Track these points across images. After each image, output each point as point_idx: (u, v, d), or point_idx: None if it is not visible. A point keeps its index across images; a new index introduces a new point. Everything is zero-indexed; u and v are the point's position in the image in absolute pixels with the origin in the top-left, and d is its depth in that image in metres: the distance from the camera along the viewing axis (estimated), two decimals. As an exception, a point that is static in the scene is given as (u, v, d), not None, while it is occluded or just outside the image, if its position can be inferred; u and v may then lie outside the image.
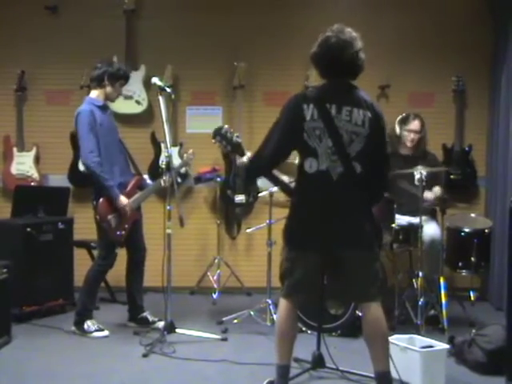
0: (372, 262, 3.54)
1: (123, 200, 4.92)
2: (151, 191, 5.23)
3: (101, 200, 4.88)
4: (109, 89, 5.01)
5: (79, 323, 5.00)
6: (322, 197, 3.45)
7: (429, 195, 5.42)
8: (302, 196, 3.55)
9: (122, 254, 5.18)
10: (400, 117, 5.67)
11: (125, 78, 5.09)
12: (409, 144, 5.60)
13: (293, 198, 3.63)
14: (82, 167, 6.27)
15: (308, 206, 3.50)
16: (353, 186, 3.46)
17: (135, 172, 5.25)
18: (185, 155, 5.52)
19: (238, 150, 3.91)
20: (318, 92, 3.54)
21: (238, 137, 3.96)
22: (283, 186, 3.76)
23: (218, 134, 3.90)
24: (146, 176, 5.96)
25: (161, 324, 4.98)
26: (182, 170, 6.17)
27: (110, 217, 4.90)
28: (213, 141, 4.06)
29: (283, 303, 3.61)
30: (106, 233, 4.94)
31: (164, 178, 4.90)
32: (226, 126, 4.00)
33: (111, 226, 4.92)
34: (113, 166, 4.96)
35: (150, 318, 5.17)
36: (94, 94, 5.05)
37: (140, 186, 5.19)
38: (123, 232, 4.99)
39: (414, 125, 5.61)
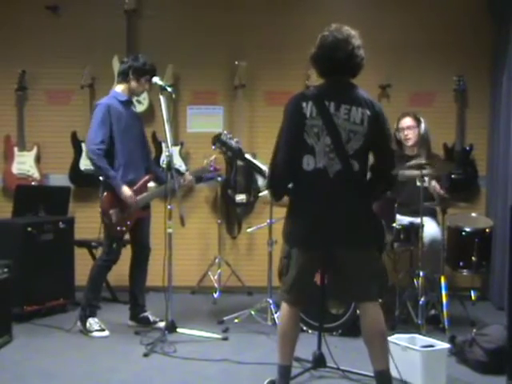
0: (370, 262, 3.52)
1: (126, 190, 4.88)
2: (161, 192, 5.04)
3: (105, 193, 4.89)
4: (134, 84, 5.00)
5: (83, 319, 5.01)
6: (319, 194, 3.44)
7: (433, 183, 5.41)
8: (299, 194, 3.53)
9: (124, 254, 5.18)
10: (396, 123, 5.66)
11: (151, 73, 4.99)
12: (408, 143, 5.58)
13: (291, 196, 3.61)
14: (82, 166, 6.31)
15: (305, 203, 3.49)
16: (350, 184, 3.44)
17: (149, 171, 5.19)
18: (205, 161, 5.17)
19: (239, 154, 3.91)
20: (316, 90, 3.55)
21: (237, 142, 3.96)
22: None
23: (217, 140, 3.90)
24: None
25: (162, 324, 4.98)
26: (182, 169, 6.18)
27: (111, 211, 4.90)
28: (213, 147, 4.04)
29: (285, 304, 3.61)
30: (108, 227, 4.95)
31: (179, 180, 4.84)
32: (225, 132, 3.99)
33: (112, 220, 4.92)
34: (127, 162, 4.94)
35: (151, 319, 5.17)
36: (120, 88, 5.05)
37: (156, 179, 5.19)
38: (124, 228, 4.98)
39: (404, 122, 5.61)
